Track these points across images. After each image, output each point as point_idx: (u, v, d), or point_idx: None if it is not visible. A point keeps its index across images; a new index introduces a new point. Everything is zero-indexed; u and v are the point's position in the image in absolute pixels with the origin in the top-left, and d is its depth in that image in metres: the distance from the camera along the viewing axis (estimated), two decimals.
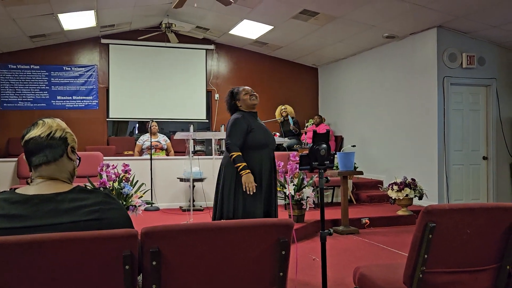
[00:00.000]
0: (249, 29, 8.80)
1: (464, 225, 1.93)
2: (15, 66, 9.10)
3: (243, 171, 3.44)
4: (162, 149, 7.71)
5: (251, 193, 3.43)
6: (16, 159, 6.49)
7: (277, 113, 9.15)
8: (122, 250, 1.40)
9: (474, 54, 7.21)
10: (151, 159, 6.92)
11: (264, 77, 10.49)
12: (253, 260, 1.60)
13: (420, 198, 6.32)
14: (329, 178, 2.70)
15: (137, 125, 12.32)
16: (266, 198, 3.62)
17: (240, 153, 3.49)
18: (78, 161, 1.67)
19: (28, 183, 1.56)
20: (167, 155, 7.80)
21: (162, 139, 7.83)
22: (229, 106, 3.75)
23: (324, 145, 2.50)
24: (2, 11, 6.71)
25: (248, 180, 3.42)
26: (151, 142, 7.25)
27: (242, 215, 3.48)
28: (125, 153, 9.07)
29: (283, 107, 9.15)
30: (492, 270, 2.02)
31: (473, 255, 1.98)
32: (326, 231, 2.56)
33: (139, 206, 4.74)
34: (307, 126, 9.56)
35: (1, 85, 9.00)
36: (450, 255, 1.96)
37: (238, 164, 3.46)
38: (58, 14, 7.39)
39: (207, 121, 10.36)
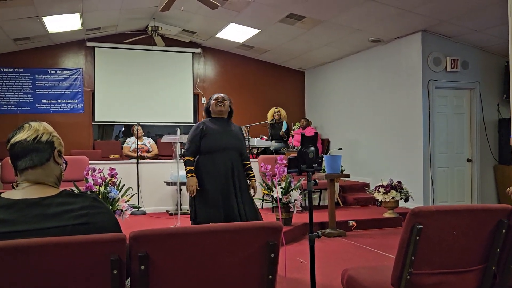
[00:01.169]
0: (236, 33, 8.81)
1: (450, 227, 1.96)
2: None
3: (188, 175, 3.62)
4: (148, 151, 7.68)
5: (192, 195, 3.59)
6: None
7: (269, 114, 9.12)
8: (110, 255, 1.39)
9: (458, 58, 7.32)
10: (137, 162, 6.87)
11: (250, 80, 10.51)
12: (242, 263, 1.60)
13: (406, 200, 6.37)
14: (317, 180, 2.70)
15: (122, 128, 12.23)
16: (225, 201, 3.61)
17: (190, 158, 3.66)
18: (64, 165, 1.65)
19: (13, 187, 1.53)
20: (155, 155, 7.78)
21: (147, 142, 7.81)
22: (204, 110, 3.94)
23: (313, 148, 2.51)
24: None
25: (189, 184, 3.59)
26: (137, 145, 7.21)
27: (204, 219, 3.55)
28: (111, 156, 8.98)
29: (276, 109, 9.11)
30: (478, 271, 2.05)
31: (459, 256, 2.00)
32: (314, 233, 2.57)
33: (125, 210, 4.69)
34: (293, 129, 9.59)
35: None
36: (437, 257, 1.98)
37: (186, 169, 3.64)
38: (43, 17, 7.31)
39: (194, 124, 10.32)
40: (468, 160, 7.52)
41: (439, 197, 7.22)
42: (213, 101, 3.78)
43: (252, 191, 3.82)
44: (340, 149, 7.32)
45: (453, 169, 7.44)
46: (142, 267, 1.45)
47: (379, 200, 6.37)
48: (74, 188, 4.53)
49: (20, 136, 1.54)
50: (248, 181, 3.83)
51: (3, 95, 9.00)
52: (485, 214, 2.00)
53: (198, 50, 10.23)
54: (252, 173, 3.87)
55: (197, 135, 3.69)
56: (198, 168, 3.68)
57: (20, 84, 9.12)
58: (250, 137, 8.27)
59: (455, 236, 1.96)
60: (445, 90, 7.38)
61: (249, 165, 3.88)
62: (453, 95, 7.48)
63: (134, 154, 7.43)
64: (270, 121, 9.08)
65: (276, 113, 9.03)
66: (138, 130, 7.63)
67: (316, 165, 2.55)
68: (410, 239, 1.91)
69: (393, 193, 6.25)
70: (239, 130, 3.90)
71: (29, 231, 1.38)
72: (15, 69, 9.08)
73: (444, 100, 7.41)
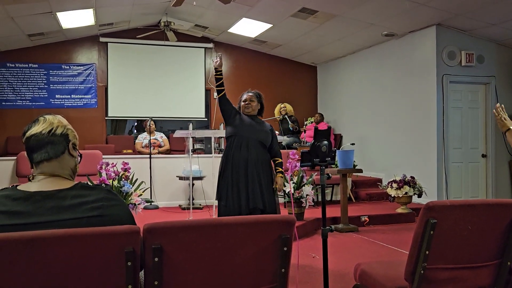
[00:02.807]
0: (248, 28, 8.79)
1: (465, 222, 1.94)
2: (13, 65, 9.08)
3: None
4: (160, 146, 7.72)
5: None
6: (15, 157, 6.47)
7: (276, 111, 9.14)
8: (124, 247, 1.40)
9: (473, 52, 7.22)
10: (150, 157, 6.91)
11: (262, 75, 10.49)
12: (254, 257, 1.60)
13: (419, 196, 6.33)
14: (330, 175, 2.69)
15: (135, 123, 12.31)
16: (247, 188, 3.70)
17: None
18: (79, 157, 1.66)
19: (29, 180, 1.55)
20: (166, 150, 7.82)
21: (159, 136, 7.85)
22: (237, 109, 4.00)
23: (326, 142, 2.50)
24: (0, 10, 6.69)
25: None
26: (150, 140, 7.25)
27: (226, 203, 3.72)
28: (124, 151, 9.05)
29: (282, 105, 9.15)
30: (493, 266, 2.02)
31: (474, 251, 1.98)
32: (327, 227, 2.56)
33: (138, 204, 4.73)
34: (306, 125, 9.56)
35: None
36: (451, 251, 1.96)
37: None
38: (57, 13, 7.37)
39: (206, 119, 10.36)
40: (483, 156, 7.42)
41: (453, 193, 7.15)
42: (242, 103, 3.91)
43: (275, 184, 3.89)
44: (353, 144, 7.28)
45: (467, 165, 7.36)
46: (156, 259, 1.46)
47: (392, 196, 6.33)
48: (88, 182, 4.57)
49: (36, 129, 1.56)
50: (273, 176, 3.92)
51: (18, 90, 9.11)
52: (501, 209, 1.98)
53: (210, 45, 10.23)
54: (279, 169, 3.94)
55: (233, 107, 3.89)
56: (229, 147, 3.81)
57: (34, 79, 9.22)
58: None
59: (470, 231, 1.94)
60: (460, 84, 7.29)
61: (279, 161, 3.98)
62: (468, 89, 7.39)
63: (146, 151, 7.50)
64: (278, 117, 9.07)
65: (282, 109, 9.03)
66: (151, 125, 7.68)
67: (329, 159, 2.54)
68: (425, 233, 1.89)
69: (406, 188, 6.21)
70: (269, 127, 3.99)
71: (44, 223, 1.40)
72: (30, 65, 9.17)
73: (459, 95, 7.32)
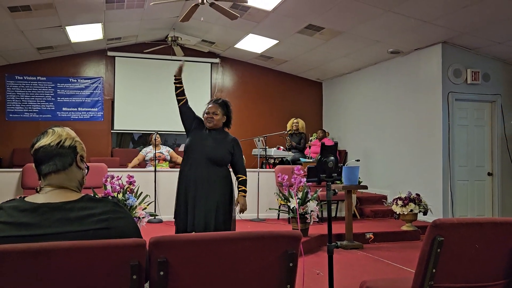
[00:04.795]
0: (255, 43, 8.86)
1: (473, 240, 1.92)
2: (22, 77, 9.18)
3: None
4: (165, 160, 7.70)
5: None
6: (20, 169, 6.50)
7: (288, 125, 9.07)
8: (130, 260, 1.39)
9: (479, 70, 7.23)
10: (155, 170, 6.92)
11: (268, 91, 10.54)
12: (260, 272, 1.59)
13: (425, 213, 6.28)
14: (336, 190, 2.68)
15: (136, 137, 12.29)
16: (192, 209, 3.48)
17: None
18: (86, 170, 1.67)
19: (37, 191, 1.55)
20: (174, 163, 7.78)
21: (165, 150, 7.83)
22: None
23: (332, 157, 2.50)
24: (10, 23, 6.79)
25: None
26: (155, 153, 7.26)
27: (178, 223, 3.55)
28: (129, 164, 9.06)
29: (295, 120, 9.05)
30: (501, 285, 2.00)
31: (482, 270, 1.96)
32: (333, 244, 2.54)
33: (142, 217, 4.73)
34: (310, 140, 9.55)
35: (7, 96, 9.06)
36: (459, 270, 1.94)
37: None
38: (66, 27, 7.47)
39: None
40: (489, 174, 7.38)
41: (458, 211, 7.10)
42: (205, 115, 3.61)
43: (237, 206, 3.63)
44: (358, 160, 7.27)
45: (473, 183, 7.31)
46: (161, 273, 1.46)
47: (397, 213, 6.28)
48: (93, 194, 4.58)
49: (44, 141, 1.57)
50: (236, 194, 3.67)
51: (26, 103, 9.19)
52: (508, 228, 1.96)
53: (217, 60, 10.31)
54: (242, 187, 3.65)
55: (193, 119, 3.66)
56: (183, 163, 3.61)
57: (42, 92, 9.30)
58: (267, 147, 8.26)
59: (478, 249, 1.92)
60: (466, 102, 7.29)
61: (242, 179, 3.65)
62: (474, 107, 7.38)
63: (137, 162, 7.54)
64: (288, 131, 9.05)
65: (295, 124, 8.98)
66: (156, 139, 7.68)
67: (336, 174, 2.53)
68: (431, 251, 1.87)
69: (412, 205, 6.17)
70: (232, 142, 3.61)
71: (51, 234, 1.40)
72: (38, 77, 9.27)
73: (464, 113, 7.31)
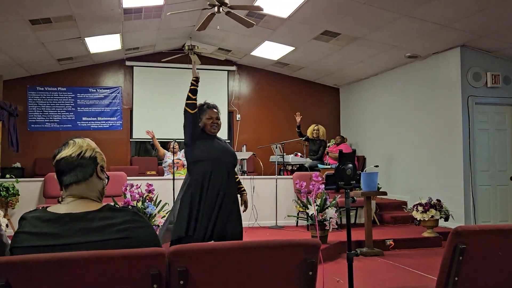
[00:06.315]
0: (271, 50, 8.89)
1: (495, 247, 1.88)
2: (43, 88, 9.36)
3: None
4: (183, 166, 7.74)
5: None
6: (42, 179, 6.61)
7: (309, 131, 8.95)
8: (150, 269, 1.41)
9: (499, 73, 7.12)
10: (173, 178, 6.96)
11: (285, 97, 10.55)
12: (279, 281, 1.59)
13: (446, 219, 6.18)
14: (355, 198, 2.67)
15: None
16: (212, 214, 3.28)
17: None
18: (107, 180, 1.70)
19: (59, 202, 1.58)
20: None
21: (181, 155, 7.86)
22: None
23: (350, 165, 2.48)
24: (32, 36, 6.95)
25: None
26: (173, 160, 7.32)
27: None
28: (148, 173, 9.15)
29: (315, 126, 8.83)
30: None
31: (505, 278, 1.92)
32: (353, 252, 2.52)
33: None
34: (328, 146, 9.49)
35: (29, 107, 9.25)
36: (482, 278, 1.90)
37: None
38: (85, 38, 7.61)
39: (229, 141, 10.40)
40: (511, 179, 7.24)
41: (481, 217, 6.96)
42: (207, 121, 3.44)
43: (242, 205, 3.59)
44: (377, 166, 7.18)
45: (495, 188, 7.17)
46: (181, 282, 1.47)
47: (418, 219, 6.20)
48: (113, 203, 4.63)
49: (65, 153, 1.60)
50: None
51: (47, 113, 9.36)
52: None
53: (233, 67, 10.36)
54: (242, 187, 3.63)
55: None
56: (189, 177, 3.41)
57: (62, 102, 9.47)
58: (285, 154, 8.25)
59: (501, 257, 1.89)
60: (486, 106, 7.17)
61: (238, 179, 3.64)
62: (494, 111, 7.26)
63: (161, 149, 7.66)
64: (307, 137, 8.93)
65: (315, 131, 8.79)
66: (175, 146, 7.74)
67: (354, 182, 2.52)
68: (453, 259, 1.84)
69: (432, 211, 6.08)
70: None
71: (73, 244, 1.43)
72: (58, 88, 9.45)
73: (485, 116, 7.19)
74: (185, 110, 3.44)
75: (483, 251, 1.88)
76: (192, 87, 3.45)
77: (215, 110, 3.49)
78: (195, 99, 3.43)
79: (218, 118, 3.47)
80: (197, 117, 3.43)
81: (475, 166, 7.00)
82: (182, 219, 3.26)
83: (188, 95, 3.42)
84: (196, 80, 3.48)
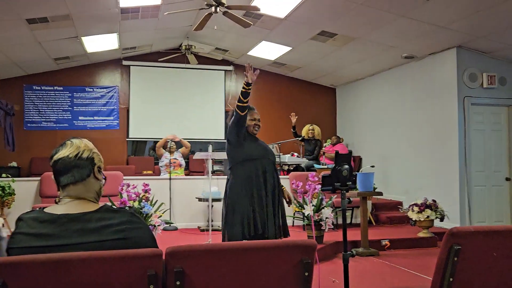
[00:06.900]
0: (268, 50, 8.90)
1: (490, 248, 1.90)
2: (39, 88, 9.34)
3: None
4: (180, 165, 7.75)
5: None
6: (39, 178, 6.60)
7: (304, 131, 8.96)
8: (147, 270, 1.41)
9: (494, 74, 7.15)
10: (170, 178, 6.97)
11: (282, 97, 10.56)
12: (275, 281, 1.60)
13: (442, 219, 6.21)
14: (351, 199, 2.68)
15: (152, 144, 12.37)
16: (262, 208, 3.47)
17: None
18: (104, 180, 1.70)
19: (56, 202, 1.59)
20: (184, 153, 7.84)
21: (178, 155, 7.86)
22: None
23: (347, 166, 2.49)
24: (29, 35, 6.93)
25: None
26: (170, 160, 7.32)
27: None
28: (144, 172, 9.15)
29: (310, 126, 8.85)
30: None
31: (500, 279, 1.93)
32: (348, 252, 2.54)
33: (158, 225, 4.77)
34: (324, 146, 9.50)
35: (25, 106, 9.23)
36: (477, 279, 1.92)
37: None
38: (82, 37, 7.60)
39: (225, 141, 10.40)
40: (507, 179, 7.27)
41: (476, 217, 6.99)
42: (251, 121, 3.63)
43: (288, 198, 3.78)
44: (373, 166, 7.20)
45: (491, 188, 7.21)
46: (178, 283, 1.47)
47: (413, 219, 6.22)
48: (110, 203, 4.63)
49: (63, 153, 1.60)
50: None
51: (43, 112, 9.34)
52: None
53: (230, 67, 10.36)
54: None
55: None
56: (238, 176, 3.58)
57: (59, 101, 9.45)
58: (281, 154, 8.26)
59: (496, 258, 1.90)
60: (482, 106, 7.20)
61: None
62: (490, 111, 7.29)
63: (162, 144, 7.66)
64: (303, 137, 8.94)
65: (311, 131, 8.82)
66: (171, 146, 7.75)
67: (350, 183, 2.53)
68: (448, 260, 1.86)
69: (428, 212, 6.10)
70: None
71: (70, 245, 1.43)
72: (55, 87, 9.42)
73: (481, 117, 7.22)
74: (235, 111, 3.54)
75: (478, 252, 1.89)
76: (243, 90, 3.50)
77: (257, 112, 3.69)
78: (246, 102, 3.49)
79: (259, 120, 3.68)
80: (246, 119, 3.57)
81: (471, 167, 7.02)
82: (248, 219, 3.44)
83: (239, 98, 3.50)
84: (247, 84, 3.49)
